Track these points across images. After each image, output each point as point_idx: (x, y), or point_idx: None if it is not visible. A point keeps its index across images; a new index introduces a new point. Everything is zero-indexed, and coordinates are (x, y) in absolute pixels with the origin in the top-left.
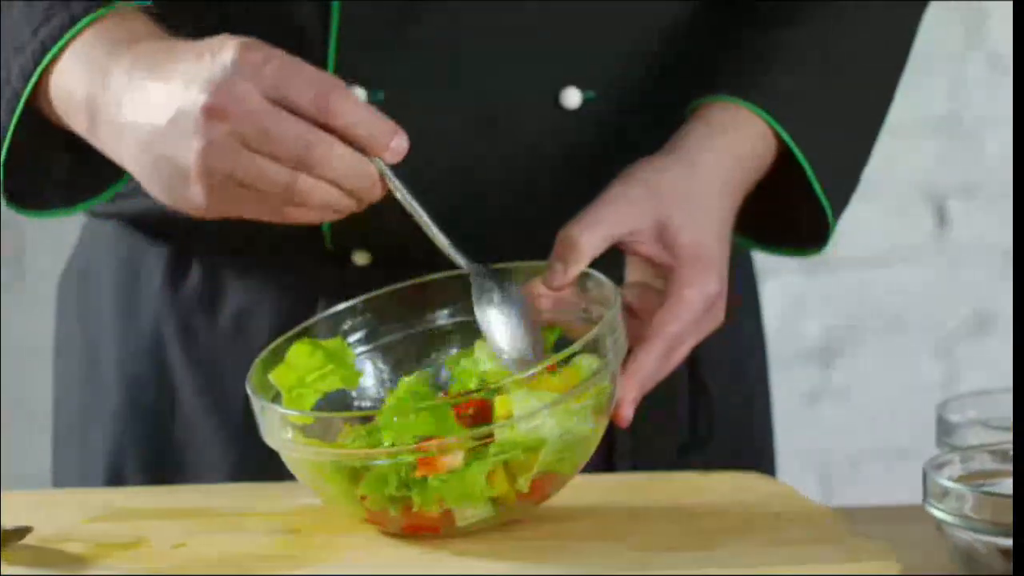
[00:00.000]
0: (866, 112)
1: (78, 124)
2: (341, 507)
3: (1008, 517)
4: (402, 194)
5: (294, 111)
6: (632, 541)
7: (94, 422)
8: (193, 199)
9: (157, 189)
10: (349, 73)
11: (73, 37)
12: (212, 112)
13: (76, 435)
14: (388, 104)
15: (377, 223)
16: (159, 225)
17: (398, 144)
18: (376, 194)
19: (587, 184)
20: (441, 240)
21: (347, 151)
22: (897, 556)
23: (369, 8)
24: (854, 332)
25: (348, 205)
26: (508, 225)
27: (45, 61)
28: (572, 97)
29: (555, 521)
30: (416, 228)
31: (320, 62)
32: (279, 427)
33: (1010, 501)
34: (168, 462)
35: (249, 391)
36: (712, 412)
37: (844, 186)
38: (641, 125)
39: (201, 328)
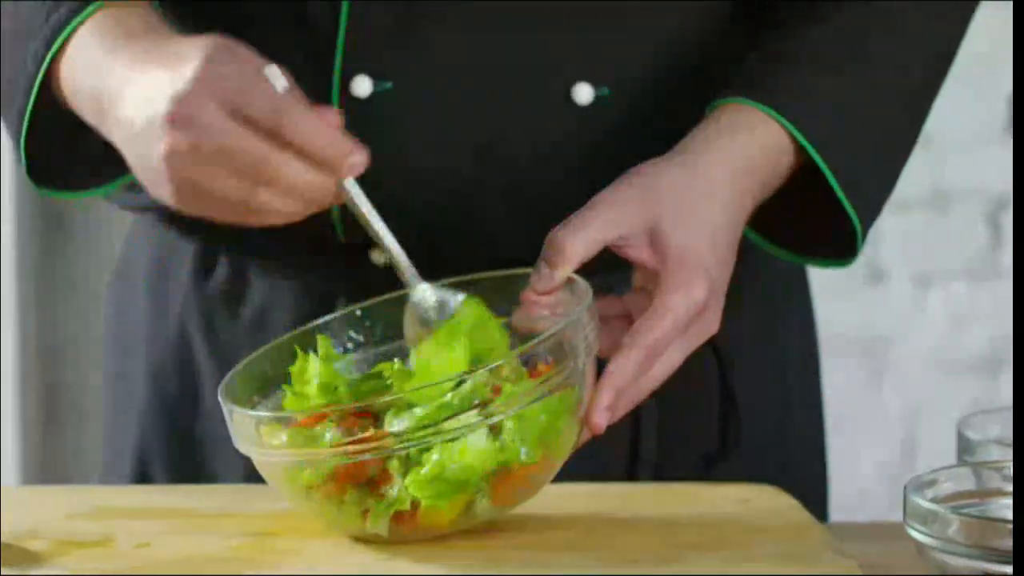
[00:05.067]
0: (897, 117)
1: (87, 114)
2: (307, 511)
3: (994, 540)
4: (362, 208)
5: (252, 125)
6: (600, 553)
7: (125, 416)
8: (165, 197)
9: (143, 183)
10: (357, 64)
11: (81, 22)
12: (173, 122)
13: (111, 430)
14: (396, 96)
15: (393, 222)
16: (190, 218)
17: (354, 162)
18: (337, 201)
19: (599, 183)
20: (398, 257)
21: (302, 167)
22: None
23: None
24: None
25: (308, 211)
26: (516, 222)
27: (56, 45)
28: (584, 93)
29: (531, 530)
30: (437, 228)
31: (329, 53)
32: (244, 431)
33: (996, 524)
34: (191, 457)
35: (220, 397)
36: (739, 421)
37: (873, 193)
38: (657, 125)
39: (224, 324)
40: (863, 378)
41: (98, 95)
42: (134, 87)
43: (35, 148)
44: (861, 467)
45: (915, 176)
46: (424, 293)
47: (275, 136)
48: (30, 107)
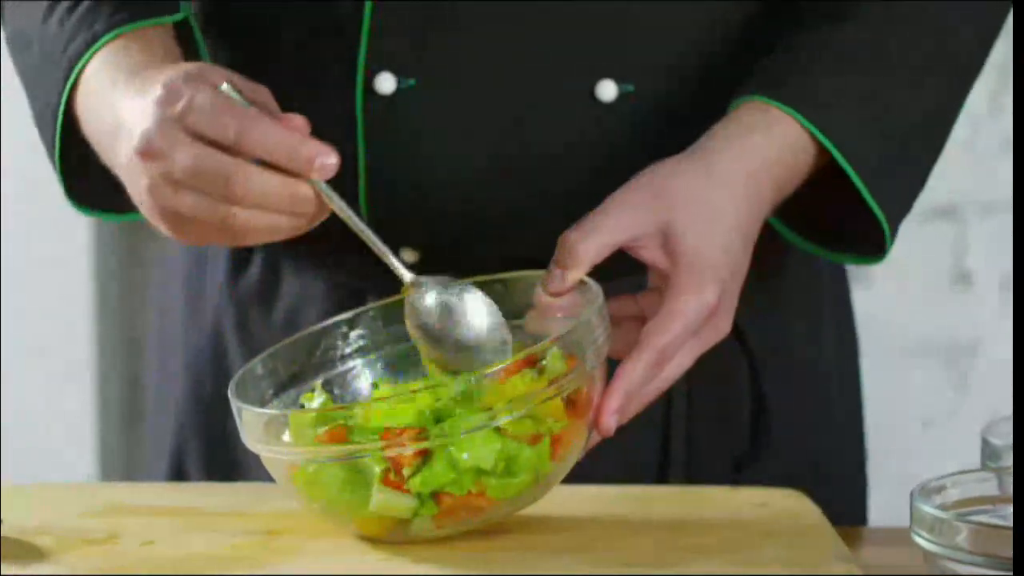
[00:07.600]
0: (922, 115)
1: (97, 147)
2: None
3: (1001, 548)
4: (340, 209)
5: (218, 145)
6: (595, 556)
7: (163, 413)
8: (160, 228)
9: (144, 215)
10: (381, 61)
11: (95, 53)
12: (144, 155)
13: (153, 427)
14: (419, 93)
15: (419, 221)
16: None
17: (322, 163)
18: (320, 211)
19: (622, 180)
20: (384, 253)
21: (270, 177)
22: None
23: None
24: None
25: (293, 226)
26: (539, 219)
27: (72, 77)
28: (608, 90)
29: (533, 532)
30: (462, 226)
31: (353, 50)
32: (253, 430)
33: (1003, 531)
34: (224, 454)
35: (230, 395)
36: (770, 424)
37: (899, 190)
38: (682, 122)
39: (256, 322)
40: (948, 382)
41: (103, 130)
42: (122, 122)
43: (73, 172)
44: (944, 471)
45: (1002, 178)
46: (422, 293)
47: (240, 150)
48: (58, 136)
